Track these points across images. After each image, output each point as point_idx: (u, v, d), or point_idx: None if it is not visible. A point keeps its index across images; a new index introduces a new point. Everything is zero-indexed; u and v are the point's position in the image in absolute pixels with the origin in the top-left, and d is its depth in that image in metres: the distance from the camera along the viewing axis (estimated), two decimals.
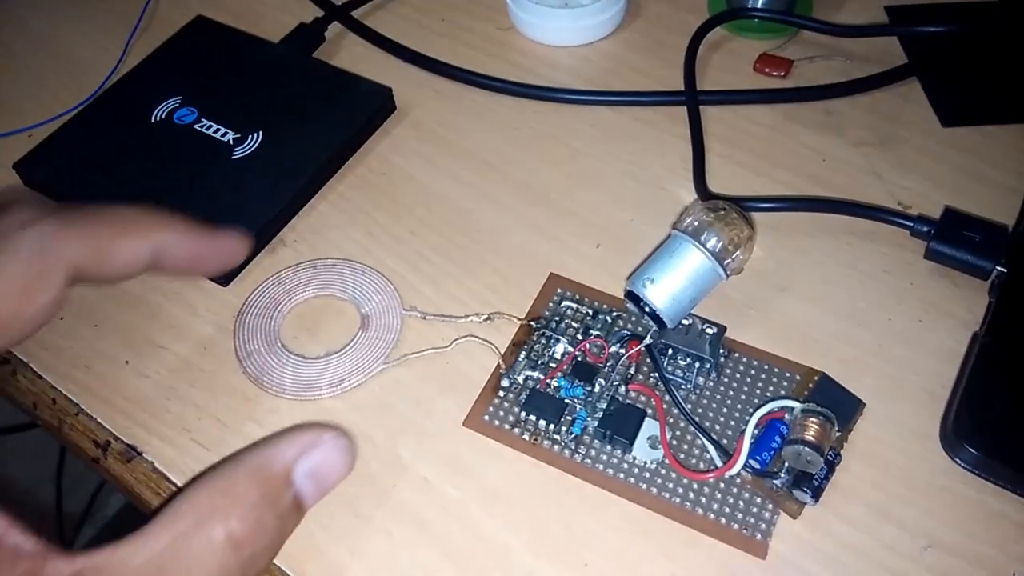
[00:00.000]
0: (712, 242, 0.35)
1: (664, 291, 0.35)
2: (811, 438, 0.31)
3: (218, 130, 0.44)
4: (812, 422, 0.31)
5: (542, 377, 0.36)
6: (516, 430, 0.35)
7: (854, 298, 0.38)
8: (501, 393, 0.36)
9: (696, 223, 0.36)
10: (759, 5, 0.50)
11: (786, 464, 0.32)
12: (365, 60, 0.50)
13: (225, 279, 0.40)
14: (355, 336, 0.37)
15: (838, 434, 0.33)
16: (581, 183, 0.43)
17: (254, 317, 0.38)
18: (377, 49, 0.51)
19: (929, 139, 0.45)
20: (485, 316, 0.38)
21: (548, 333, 0.37)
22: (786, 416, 0.33)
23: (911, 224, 0.39)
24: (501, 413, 0.35)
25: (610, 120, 0.46)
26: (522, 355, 0.37)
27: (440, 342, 0.38)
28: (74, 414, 0.36)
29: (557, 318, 0.38)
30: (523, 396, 0.35)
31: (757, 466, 0.32)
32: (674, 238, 0.36)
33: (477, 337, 0.37)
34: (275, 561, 0.32)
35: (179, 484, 0.34)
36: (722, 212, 0.36)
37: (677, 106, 0.46)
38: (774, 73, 0.48)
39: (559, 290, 0.39)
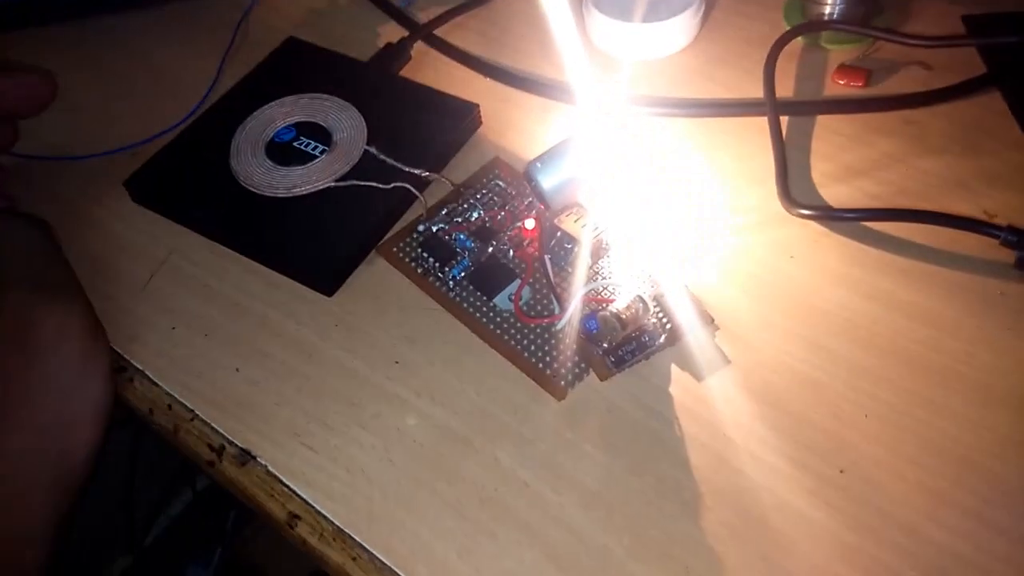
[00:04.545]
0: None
1: (552, 177, 0.40)
2: (622, 313, 0.37)
3: (315, 147, 0.46)
4: (632, 303, 0.38)
5: (448, 229, 0.42)
6: (413, 264, 0.42)
7: (943, 306, 0.39)
8: (415, 235, 0.43)
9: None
10: (835, 16, 0.51)
11: (608, 338, 0.38)
12: (449, 76, 0.52)
13: (329, 290, 0.41)
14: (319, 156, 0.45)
15: (655, 322, 0.38)
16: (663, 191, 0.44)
17: (254, 128, 0.47)
18: (460, 65, 0.52)
19: (1011, 148, 0.45)
20: (427, 172, 0.44)
21: (472, 201, 0.44)
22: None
23: (1001, 234, 0.39)
24: (408, 249, 0.43)
25: (690, 131, 0.47)
26: (444, 211, 0.43)
27: (383, 184, 0.44)
28: (189, 419, 0.38)
29: (485, 190, 0.44)
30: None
31: (587, 329, 0.38)
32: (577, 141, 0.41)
33: (411, 187, 0.44)
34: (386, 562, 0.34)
35: (291, 486, 0.36)
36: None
37: (758, 116, 0.47)
38: (852, 84, 0.49)
39: (496, 170, 0.45)
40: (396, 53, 0.52)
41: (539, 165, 0.41)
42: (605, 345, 0.38)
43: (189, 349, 0.40)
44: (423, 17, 0.55)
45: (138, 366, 0.40)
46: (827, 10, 0.51)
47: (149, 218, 0.46)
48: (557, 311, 0.39)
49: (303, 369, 0.39)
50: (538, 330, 0.39)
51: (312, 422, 0.38)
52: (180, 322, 0.41)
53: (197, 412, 0.38)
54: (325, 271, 0.41)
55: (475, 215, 0.43)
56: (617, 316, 0.37)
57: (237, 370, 0.39)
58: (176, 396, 0.39)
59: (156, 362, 0.40)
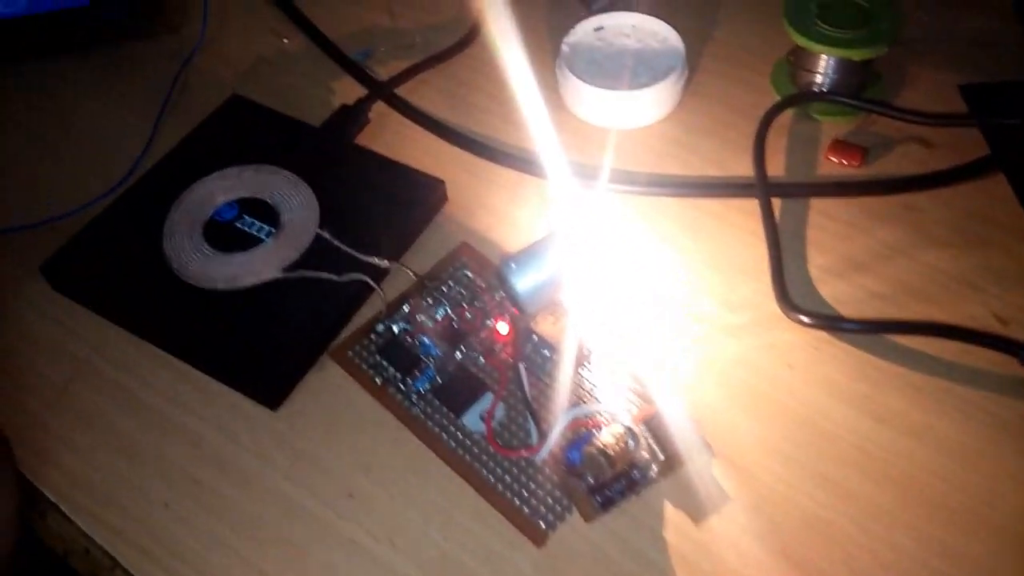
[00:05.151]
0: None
1: (528, 279, 0.36)
2: (610, 449, 0.33)
3: (261, 228, 0.41)
4: (620, 436, 0.33)
5: (411, 330, 0.37)
6: (371, 371, 0.37)
7: (959, 432, 0.35)
8: (373, 336, 0.38)
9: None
10: (827, 86, 0.47)
11: (594, 473, 0.33)
12: (412, 142, 0.47)
13: (273, 403, 0.36)
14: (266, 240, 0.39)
15: (647, 457, 0.34)
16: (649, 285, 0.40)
17: (191, 205, 0.41)
18: (425, 131, 0.47)
19: (1019, 240, 0.42)
20: (386, 261, 0.39)
21: (436, 295, 0.39)
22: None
23: (1020, 353, 0.36)
24: (364, 353, 0.37)
25: (675, 212, 0.43)
26: (405, 307, 0.38)
27: (336, 276, 0.39)
28: (110, 568, 0.33)
29: (452, 282, 0.39)
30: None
31: (570, 461, 0.33)
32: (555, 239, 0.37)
33: (369, 279, 0.39)
34: None
35: None
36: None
37: (747, 198, 0.43)
38: (848, 163, 0.45)
39: (464, 258, 0.41)
40: (353, 116, 0.47)
41: (514, 266, 0.36)
42: (591, 481, 0.33)
43: (110, 476, 0.35)
44: (383, 72, 0.50)
45: (51, 498, 0.35)
46: (819, 79, 0.48)
47: (68, 308, 0.40)
48: (535, 436, 0.34)
49: (241, 503, 0.34)
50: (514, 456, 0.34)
51: (250, 572, 0.32)
52: (100, 440, 0.36)
53: (119, 559, 0.33)
54: (269, 380, 0.36)
55: (440, 313, 0.38)
56: (604, 452, 0.33)
57: (166, 505, 0.34)
58: (95, 538, 0.34)
59: (72, 493, 0.35)
